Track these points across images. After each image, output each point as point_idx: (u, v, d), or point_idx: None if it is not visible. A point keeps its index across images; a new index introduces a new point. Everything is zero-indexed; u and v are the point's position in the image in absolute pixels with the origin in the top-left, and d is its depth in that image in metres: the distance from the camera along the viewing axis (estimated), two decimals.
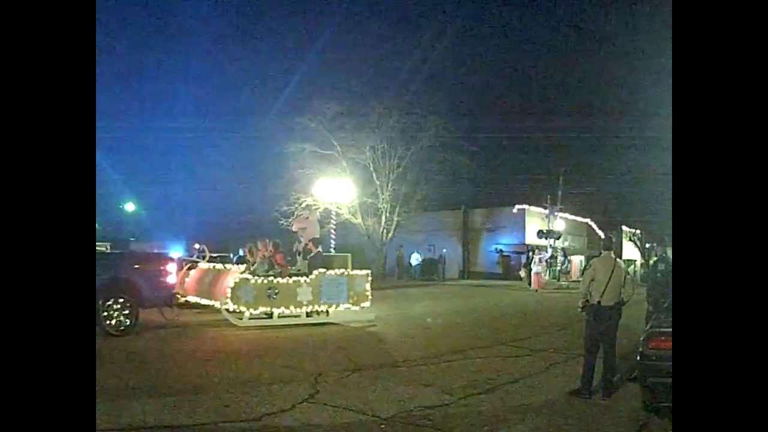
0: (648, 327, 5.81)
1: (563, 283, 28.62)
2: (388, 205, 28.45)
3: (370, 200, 28.26)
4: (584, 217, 37.21)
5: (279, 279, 11.07)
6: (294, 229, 12.71)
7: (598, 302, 6.27)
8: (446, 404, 5.71)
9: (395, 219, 28.75)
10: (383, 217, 28.61)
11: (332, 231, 25.23)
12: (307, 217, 12.75)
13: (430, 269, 32.19)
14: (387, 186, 28.23)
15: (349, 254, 12.96)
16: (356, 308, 11.71)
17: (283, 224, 26.89)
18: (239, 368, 7.20)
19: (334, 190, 25.45)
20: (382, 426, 5.02)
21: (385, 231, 28.90)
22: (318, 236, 12.72)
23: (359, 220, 28.21)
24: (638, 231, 37.68)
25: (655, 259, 9.90)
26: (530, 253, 22.53)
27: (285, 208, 26.76)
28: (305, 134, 26.50)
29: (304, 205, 26.84)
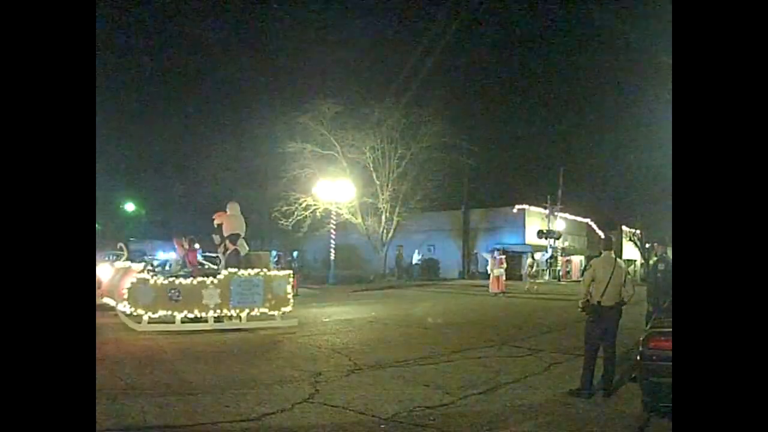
0: (648, 327, 5.81)
1: (561, 282, 28.48)
2: (388, 205, 28.40)
3: (370, 200, 28.23)
4: (584, 217, 37.23)
5: (182, 279, 10.06)
6: (215, 224, 11.46)
7: (599, 302, 6.27)
8: (446, 404, 5.70)
9: (395, 219, 28.71)
10: (383, 217, 28.57)
11: (332, 231, 25.37)
12: (226, 211, 11.45)
13: (430, 269, 32.18)
14: (387, 186, 28.18)
15: (269, 252, 11.75)
16: (275, 313, 10.43)
17: (282, 224, 26.94)
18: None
19: (334, 190, 25.49)
20: (382, 426, 5.01)
21: (385, 231, 28.87)
22: (240, 232, 11.24)
23: (359, 220, 28.19)
24: (638, 231, 37.67)
25: (655, 259, 9.91)
26: (494, 252, 20.32)
27: (285, 208, 26.78)
28: (305, 134, 26.49)
29: (304, 205, 26.87)
